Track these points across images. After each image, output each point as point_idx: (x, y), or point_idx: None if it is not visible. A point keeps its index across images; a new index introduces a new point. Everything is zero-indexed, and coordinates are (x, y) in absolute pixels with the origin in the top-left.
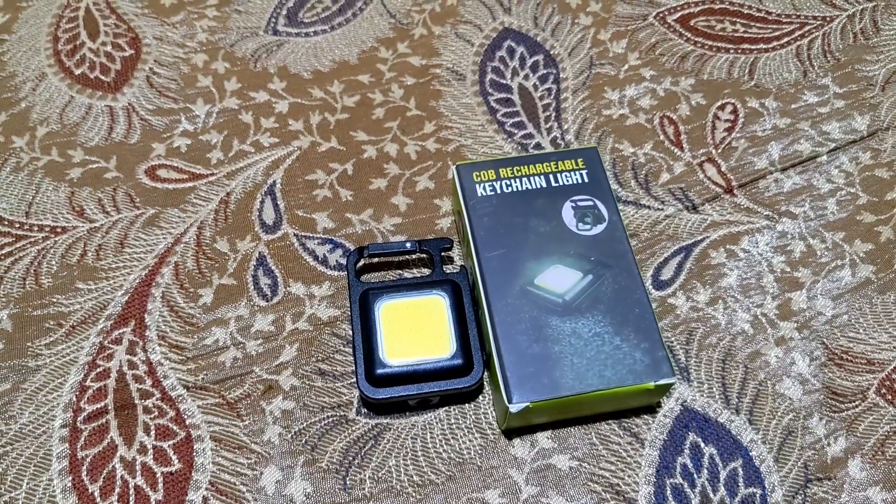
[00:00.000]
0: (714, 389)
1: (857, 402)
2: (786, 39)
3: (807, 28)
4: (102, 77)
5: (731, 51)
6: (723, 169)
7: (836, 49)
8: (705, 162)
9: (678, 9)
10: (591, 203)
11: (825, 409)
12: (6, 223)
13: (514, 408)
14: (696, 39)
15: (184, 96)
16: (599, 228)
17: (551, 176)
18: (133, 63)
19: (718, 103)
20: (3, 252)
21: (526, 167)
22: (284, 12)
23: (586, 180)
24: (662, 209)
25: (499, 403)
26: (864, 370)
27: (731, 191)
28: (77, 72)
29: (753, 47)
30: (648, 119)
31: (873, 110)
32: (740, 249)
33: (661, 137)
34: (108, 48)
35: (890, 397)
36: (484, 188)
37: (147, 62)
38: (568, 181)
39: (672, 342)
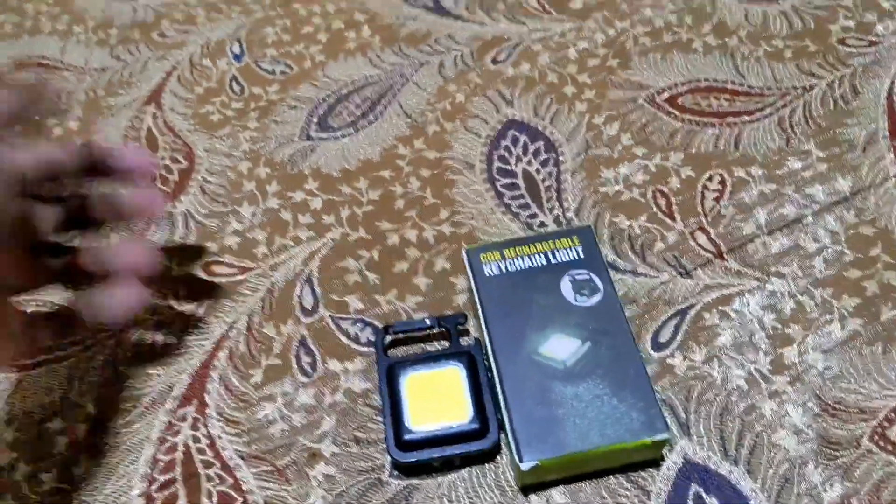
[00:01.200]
0: (713, 442)
1: (850, 450)
2: (768, 110)
3: (788, 98)
4: (163, 188)
5: (717, 125)
6: (713, 236)
7: (817, 115)
8: (696, 230)
9: (665, 90)
10: (587, 277)
11: (820, 458)
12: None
13: (524, 466)
14: (684, 117)
15: (232, 200)
16: (596, 299)
17: (550, 254)
18: (188, 174)
19: (707, 174)
20: (87, 344)
21: (527, 247)
22: (316, 119)
23: (582, 256)
24: (658, 276)
25: (513, 462)
26: (857, 419)
27: (721, 255)
28: None
29: (738, 120)
30: (642, 193)
31: (855, 171)
32: (732, 310)
33: (655, 210)
34: (168, 162)
35: (883, 444)
36: (491, 268)
37: (199, 172)
38: (565, 258)
39: (672, 399)
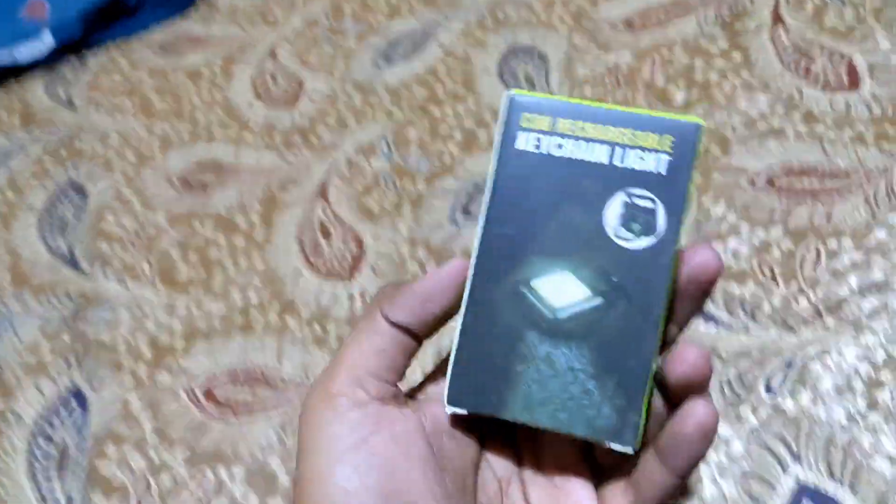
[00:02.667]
0: (822, 468)
1: None
2: (854, 189)
3: (871, 176)
4: (340, 270)
5: (810, 202)
6: (812, 299)
7: None
8: (797, 293)
9: (762, 172)
10: (650, 205)
11: None
12: (293, 383)
13: (448, 409)
14: (781, 196)
15: (398, 278)
16: (644, 243)
17: (617, 150)
18: (360, 258)
19: (803, 245)
20: (295, 403)
21: (592, 126)
22: (460, 208)
23: (662, 171)
24: (767, 333)
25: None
26: None
27: (820, 315)
28: (322, 268)
29: (828, 198)
30: (748, 264)
31: None
32: (832, 361)
33: (760, 277)
34: (340, 247)
35: None
36: (528, 140)
37: (370, 256)
38: (637, 164)
39: (784, 435)
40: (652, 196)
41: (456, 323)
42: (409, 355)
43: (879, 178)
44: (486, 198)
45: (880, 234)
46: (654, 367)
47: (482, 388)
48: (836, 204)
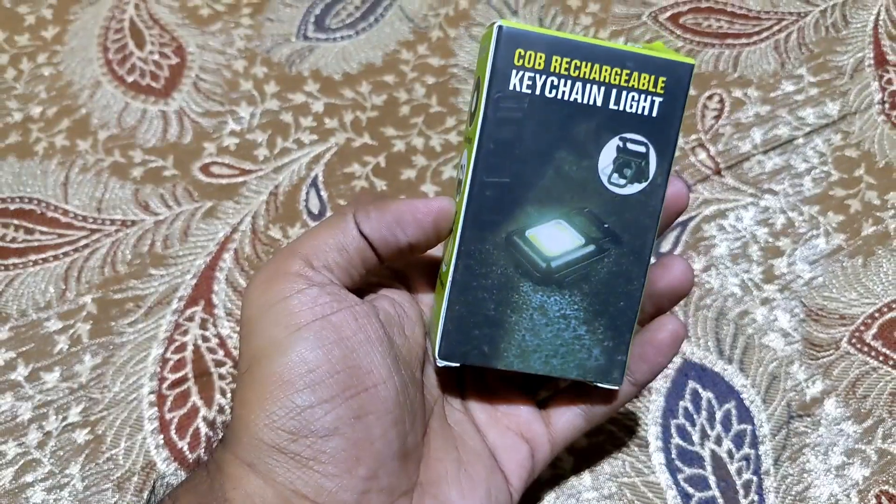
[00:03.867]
0: (709, 343)
1: (831, 351)
2: (765, 34)
3: (784, 23)
4: (153, 84)
5: (717, 45)
6: (711, 153)
7: (809, 42)
8: (696, 147)
9: (668, 8)
10: (643, 149)
11: (804, 358)
12: (80, 218)
13: (439, 363)
14: (686, 36)
15: (228, 100)
16: (636, 188)
17: (613, 92)
18: (180, 70)
19: (707, 94)
20: (82, 244)
21: (588, 66)
22: (312, 20)
23: (654, 114)
24: None
25: (432, 335)
26: (838, 324)
27: (719, 172)
28: (129, 79)
29: (737, 42)
30: None
31: (843, 97)
32: (728, 224)
33: None
34: (156, 57)
35: (859, 346)
36: (521, 79)
37: (192, 69)
38: (631, 108)
39: None
40: (645, 141)
41: (445, 267)
42: (367, 269)
43: (791, 26)
44: (475, 141)
45: (788, 86)
46: (639, 307)
47: (474, 340)
48: (744, 50)
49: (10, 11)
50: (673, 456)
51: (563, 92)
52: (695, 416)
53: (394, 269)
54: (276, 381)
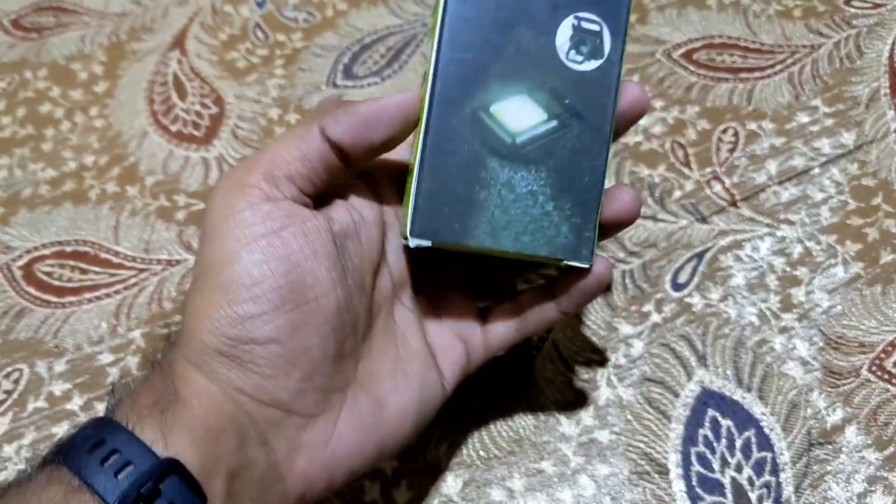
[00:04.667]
0: (728, 372)
1: (851, 379)
2: (779, 67)
3: (797, 56)
4: (195, 132)
5: (731, 80)
6: (727, 185)
7: (824, 73)
8: (712, 179)
9: (681, 45)
10: (597, 28)
11: (824, 386)
12: (130, 259)
13: (410, 243)
14: (700, 72)
15: (264, 145)
16: (592, 65)
17: None
18: (219, 119)
19: (721, 127)
20: (131, 283)
21: None
22: (341, 68)
23: None
24: (677, 222)
25: (403, 218)
26: (857, 352)
27: (735, 203)
28: (173, 129)
29: (750, 76)
30: (660, 144)
31: (859, 126)
32: (745, 254)
33: (673, 160)
34: (197, 107)
35: (880, 374)
36: None
37: (231, 118)
38: None
39: (690, 335)
40: (598, 19)
41: (413, 153)
42: (332, 175)
43: (805, 58)
44: (437, 22)
45: (802, 118)
46: (604, 183)
47: (445, 218)
48: (758, 83)
49: (65, 68)
50: (694, 483)
51: None
52: (715, 444)
53: (359, 170)
54: (221, 291)
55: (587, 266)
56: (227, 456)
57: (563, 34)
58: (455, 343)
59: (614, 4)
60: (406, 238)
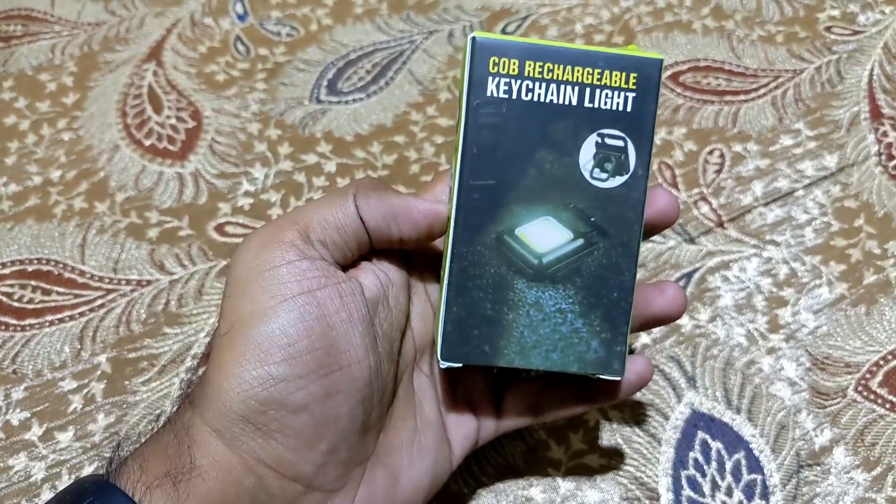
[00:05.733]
0: (717, 393)
1: (838, 399)
2: (762, 91)
3: (780, 80)
4: (170, 147)
5: (716, 102)
6: (714, 206)
7: (806, 97)
8: (699, 200)
9: (668, 67)
10: (621, 143)
11: (812, 407)
12: (97, 279)
13: (442, 365)
14: (686, 94)
15: (243, 161)
16: (617, 181)
17: (587, 91)
18: (196, 133)
19: (707, 149)
20: (97, 304)
21: (560, 68)
22: (325, 84)
23: (629, 109)
24: (664, 242)
25: (436, 335)
26: (843, 372)
27: (721, 224)
28: (147, 143)
29: (735, 98)
30: None
31: (840, 149)
32: (732, 275)
33: (661, 180)
34: (173, 121)
35: (866, 394)
36: (497, 85)
37: (209, 132)
38: (605, 104)
39: (679, 356)
40: (622, 135)
41: (441, 274)
42: (360, 250)
43: (788, 82)
44: (459, 148)
45: (786, 140)
46: (632, 297)
47: (475, 340)
48: (742, 106)
49: (33, 79)
50: None
51: (539, 94)
52: (705, 467)
53: None
54: (254, 348)
55: (618, 378)
56: None
57: (587, 153)
58: (468, 418)
59: (638, 118)
60: (437, 360)
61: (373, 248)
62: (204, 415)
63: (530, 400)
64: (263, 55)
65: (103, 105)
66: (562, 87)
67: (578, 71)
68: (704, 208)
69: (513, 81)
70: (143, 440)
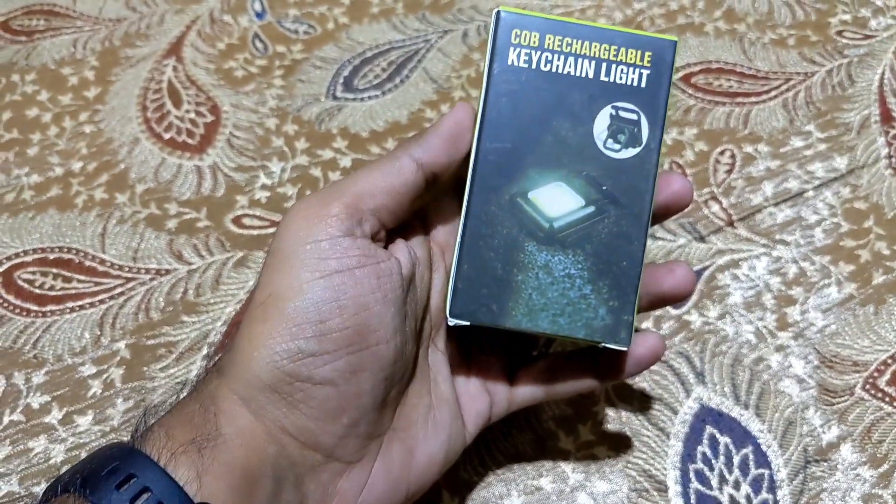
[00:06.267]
0: (726, 389)
1: (846, 397)
2: (774, 93)
3: (791, 83)
4: (189, 140)
5: (728, 104)
6: (724, 205)
7: (817, 100)
8: (709, 200)
9: (680, 69)
10: (635, 117)
11: (819, 404)
12: (117, 267)
13: (450, 321)
14: (697, 95)
15: (260, 155)
16: (630, 153)
17: (603, 65)
18: (215, 127)
19: (718, 149)
20: (117, 292)
21: (578, 42)
22: (341, 81)
23: (643, 84)
24: (675, 240)
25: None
26: (851, 370)
27: (732, 223)
28: (166, 136)
29: (746, 100)
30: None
31: (850, 151)
32: (742, 273)
33: None
34: (192, 115)
35: (873, 392)
36: (518, 55)
37: (227, 127)
38: (620, 79)
39: (688, 351)
40: (636, 109)
41: (455, 237)
42: (415, 205)
43: (799, 85)
44: (479, 112)
45: (797, 142)
46: (641, 268)
47: (484, 299)
48: (753, 108)
49: (55, 73)
50: (692, 501)
51: (557, 66)
52: (713, 461)
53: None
54: (287, 322)
55: (625, 349)
56: (262, 502)
57: (601, 123)
58: (481, 394)
59: (652, 94)
60: (446, 316)
61: (432, 187)
62: (231, 384)
63: (542, 377)
64: (281, 52)
65: (124, 99)
66: (579, 60)
67: (596, 46)
68: (715, 207)
69: (533, 52)
70: (169, 409)
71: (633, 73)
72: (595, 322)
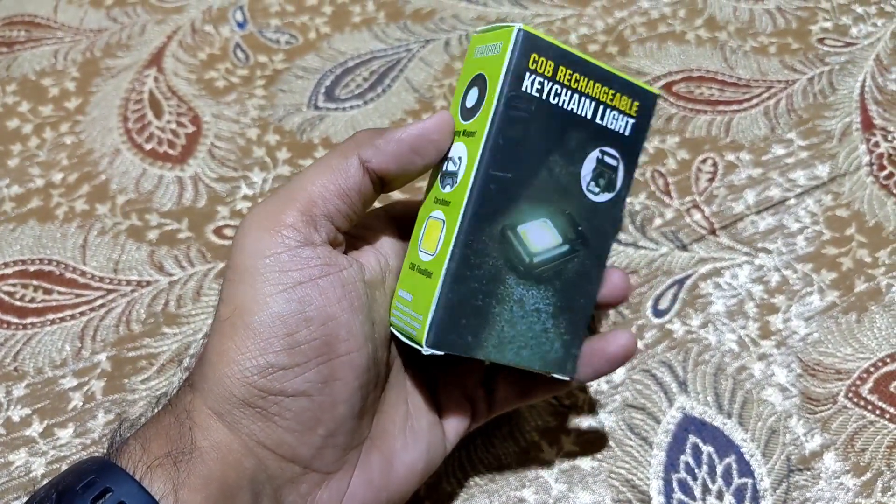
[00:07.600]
0: (709, 398)
1: (829, 405)
2: (755, 101)
3: (772, 90)
4: (170, 151)
5: (709, 112)
6: (706, 214)
7: (798, 108)
8: (691, 208)
9: (661, 77)
10: (615, 163)
11: (802, 412)
12: (97, 279)
13: (424, 351)
14: (679, 104)
15: (242, 165)
16: (605, 197)
17: (601, 108)
18: (196, 138)
19: (700, 158)
20: (98, 304)
21: (585, 80)
22: (323, 90)
23: (627, 132)
24: (657, 249)
25: (412, 320)
26: (834, 378)
27: (714, 232)
28: (147, 147)
29: (728, 108)
30: (641, 173)
31: (832, 159)
32: (724, 281)
33: (653, 188)
34: (173, 126)
35: (856, 400)
36: (532, 82)
37: (208, 137)
38: (611, 125)
39: (671, 361)
40: (618, 155)
41: (424, 264)
42: (367, 206)
43: (780, 93)
44: (483, 136)
45: (778, 149)
46: (593, 307)
47: (461, 329)
48: (735, 116)
49: (36, 84)
50: None
51: (564, 100)
52: (696, 471)
53: (389, 212)
54: (254, 337)
55: (570, 378)
56: None
57: (588, 165)
58: (461, 403)
59: (633, 144)
60: (419, 344)
61: (383, 192)
62: (205, 398)
63: (520, 382)
64: (263, 62)
65: (105, 110)
66: (583, 98)
67: (598, 87)
68: (697, 216)
69: (546, 83)
70: (144, 422)
71: (622, 120)
72: (549, 355)
